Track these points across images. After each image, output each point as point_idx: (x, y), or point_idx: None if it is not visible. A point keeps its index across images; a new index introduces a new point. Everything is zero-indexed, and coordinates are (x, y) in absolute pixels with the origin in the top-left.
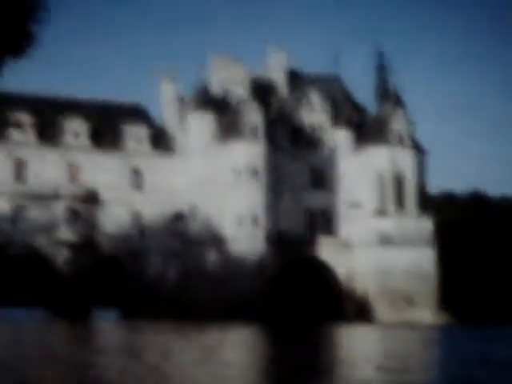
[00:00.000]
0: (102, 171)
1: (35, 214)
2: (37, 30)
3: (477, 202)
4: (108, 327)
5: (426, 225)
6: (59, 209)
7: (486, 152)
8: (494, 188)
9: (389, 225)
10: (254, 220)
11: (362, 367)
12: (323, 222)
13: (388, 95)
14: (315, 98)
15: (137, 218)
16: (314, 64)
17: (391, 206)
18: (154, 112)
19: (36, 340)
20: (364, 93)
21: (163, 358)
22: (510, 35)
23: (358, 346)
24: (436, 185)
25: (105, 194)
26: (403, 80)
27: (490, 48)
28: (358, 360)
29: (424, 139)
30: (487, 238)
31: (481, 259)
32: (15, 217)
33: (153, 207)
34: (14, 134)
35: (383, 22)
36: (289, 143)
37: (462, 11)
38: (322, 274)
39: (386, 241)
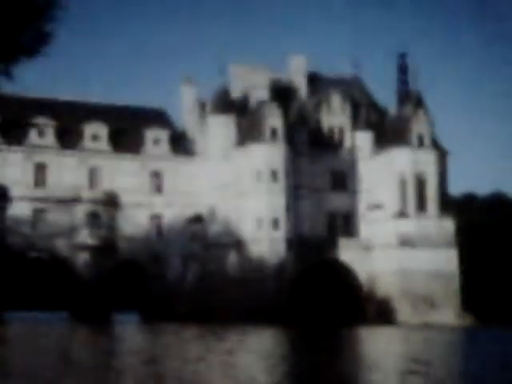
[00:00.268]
0: (122, 174)
1: (55, 217)
2: (52, 28)
3: (498, 204)
4: (128, 331)
5: (447, 226)
6: (79, 212)
7: (508, 153)
8: None
9: (410, 226)
10: (275, 223)
11: (386, 371)
12: (344, 224)
13: (409, 96)
14: (335, 99)
15: (157, 221)
16: (334, 66)
17: (412, 208)
18: (173, 116)
19: (55, 345)
20: (385, 94)
21: (183, 363)
22: None
23: (380, 349)
24: (457, 186)
25: (125, 198)
26: (424, 81)
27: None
28: (381, 364)
29: (445, 140)
30: (509, 239)
31: (503, 261)
32: (35, 220)
33: (172, 210)
34: (34, 138)
35: (404, 23)
36: (309, 145)
37: (488, 12)
38: (343, 276)
39: (407, 242)
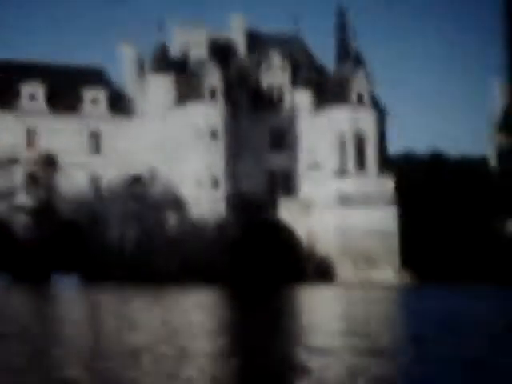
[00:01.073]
0: (60, 135)
1: None
2: None
3: (436, 162)
4: (68, 293)
5: (386, 184)
6: (17, 174)
7: (445, 112)
8: (453, 148)
9: (349, 185)
10: (214, 182)
11: (322, 333)
12: (284, 183)
13: (348, 55)
14: (275, 58)
15: (96, 181)
16: (274, 23)
17: (352, 166)
18: (112, 75)
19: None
20: (325, 53)
21: (123, 328)
22: None
23: (318, 309)
24: (396, 145)
25: (63, 158)
26: (364, 40)
27: (450, 8)
28: (318, 325)
29: (384, 99)
30: (447, 198)
31: (441, 219)
32: None
33: (112, 171)
34: None
35: None
36: (249, 104)
37: None
38: (283, 235)
39: (346, 201)
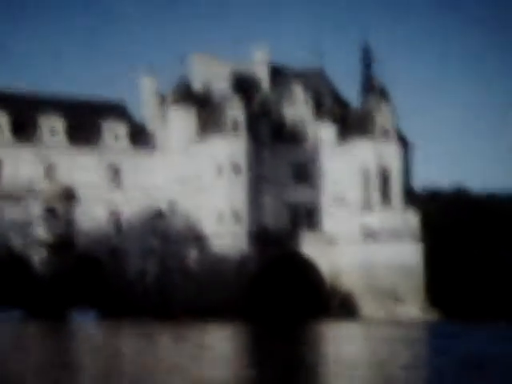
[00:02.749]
0: (80, 169)
1: (11, 213)
2: None
3: (461, 198)
4: (86, 329)
5: (411, 219)
6: (35, 208)
7: (470, 147)
8: (478, 184)
9: (374, 219)
10: (236, 216)
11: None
12: (307, 217)
13: (372, 88)
14: (298, 91)
15: (115, 216)
16: (297, 58)
17: (376, 201)
18: (133, 108)
19: (9, 344)
20: (348, 86)
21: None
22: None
23: (339, 347)
24: (421, 179)
25: (82, 192)
26: (389, 72)
27: (477, 41)
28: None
29: (410, 134)
30: (472, 234)
31: (467, 255)
32: None
33: (132, 205)
34: None
35: (367, 13)
36: (271, 138)
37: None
38: (306, 270)
39: (371, 236)
